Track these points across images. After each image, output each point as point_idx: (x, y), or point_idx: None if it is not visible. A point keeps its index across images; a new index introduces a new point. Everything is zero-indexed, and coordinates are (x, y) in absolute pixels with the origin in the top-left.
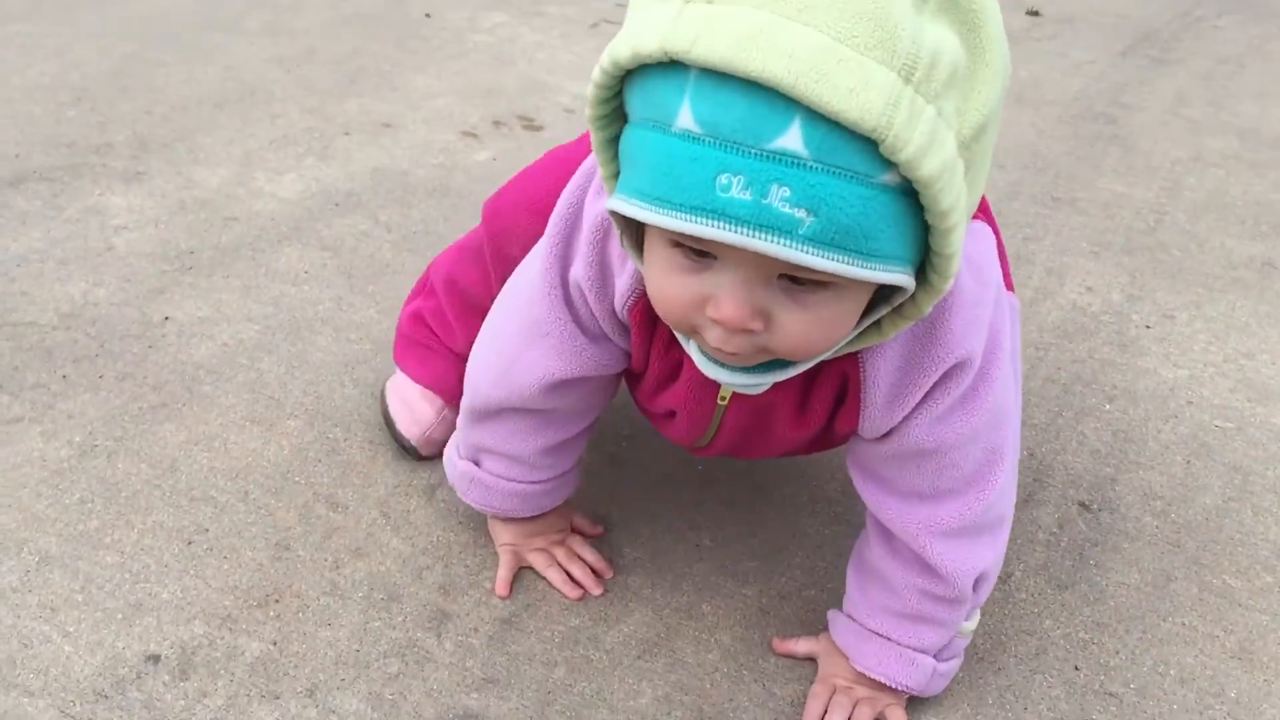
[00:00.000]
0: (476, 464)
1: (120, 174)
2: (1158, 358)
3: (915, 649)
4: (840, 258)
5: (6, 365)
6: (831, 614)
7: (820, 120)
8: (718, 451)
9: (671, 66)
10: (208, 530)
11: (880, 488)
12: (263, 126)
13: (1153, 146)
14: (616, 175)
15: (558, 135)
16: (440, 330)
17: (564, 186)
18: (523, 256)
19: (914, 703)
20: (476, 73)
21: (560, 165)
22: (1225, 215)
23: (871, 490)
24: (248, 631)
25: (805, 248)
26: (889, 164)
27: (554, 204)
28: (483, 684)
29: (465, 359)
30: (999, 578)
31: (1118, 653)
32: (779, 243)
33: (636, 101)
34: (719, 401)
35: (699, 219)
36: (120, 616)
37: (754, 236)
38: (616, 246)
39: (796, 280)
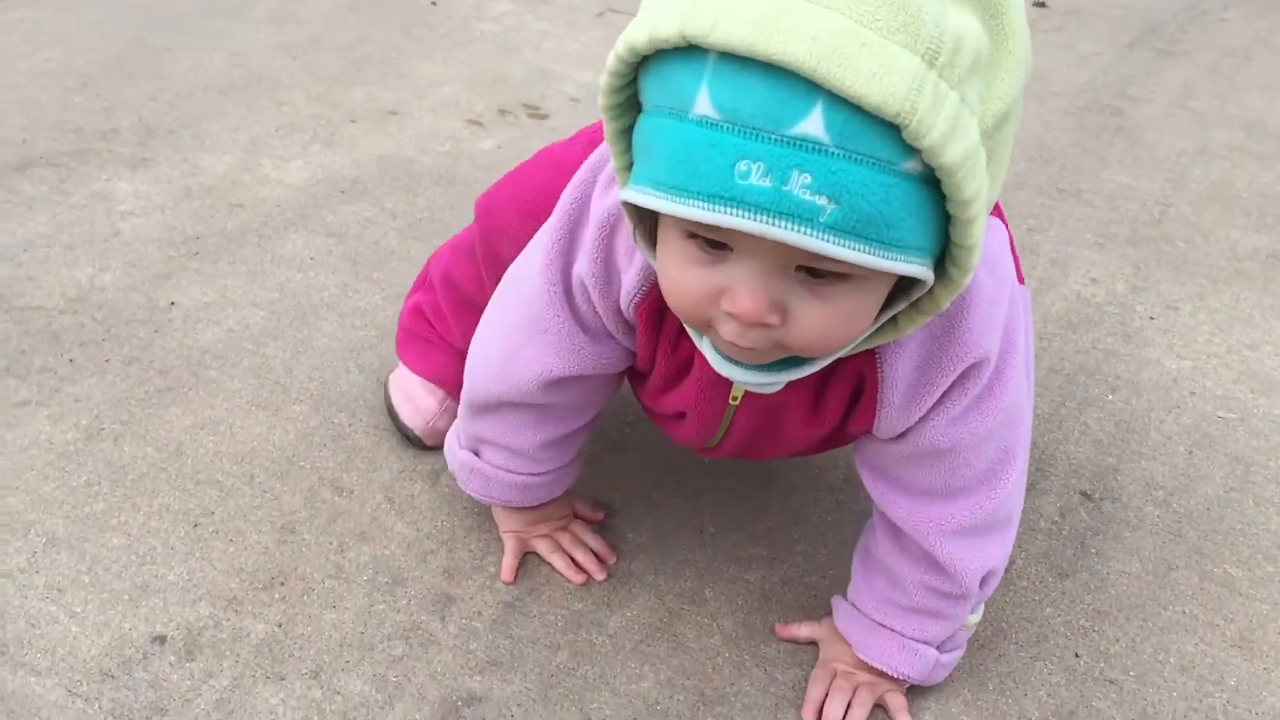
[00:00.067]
0: (476, 454)
1: (126, 160)
2: (1161, 349)
3: (919, 640)
4: (862, 247)
5: (14, 349)
6: (835, 600)
7: (842, 105)
8: (727, 452)
9: (689, 52)
10: (213, 513)
11: (890, 486)
12: (269, 113)
13: (1158, 138)
14: (629, 167)
15: (563, 124)
16: (438, 325)
17: (555, 187)
18: (513, 256)
19: (914, 688)
20: (482, 61)
21: (553, 166)
22: (1230, 207)
23: (881, 488)
24: (253, 613)
25: (826, 236)
26: (911, 151)
27: (545, 205)
28: (486, 667)
29: (464, 353)
30: None
31: (1118, 640)
32: (799, 231)
33: (652, 89)
34: (730, 401)
35: (717, 207)
36: (126, 598)
37: (774, 224)
38: (623, 242)
39: (815, 272)
